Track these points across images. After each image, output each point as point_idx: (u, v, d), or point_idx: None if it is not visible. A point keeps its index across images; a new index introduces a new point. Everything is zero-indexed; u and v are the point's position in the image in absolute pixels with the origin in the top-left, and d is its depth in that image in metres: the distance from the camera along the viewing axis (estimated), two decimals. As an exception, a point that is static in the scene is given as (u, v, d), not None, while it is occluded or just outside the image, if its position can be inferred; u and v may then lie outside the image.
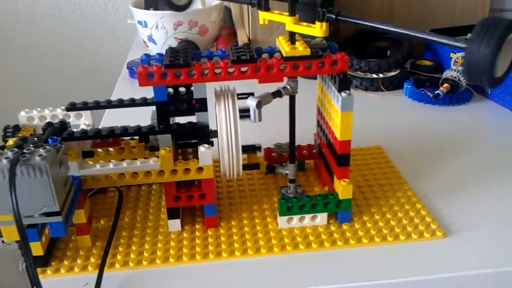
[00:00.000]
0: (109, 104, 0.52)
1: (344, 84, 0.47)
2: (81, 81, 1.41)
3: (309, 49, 0.46)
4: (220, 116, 0.47)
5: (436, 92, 0.75)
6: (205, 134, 0.48)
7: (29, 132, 0.52)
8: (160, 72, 0.45)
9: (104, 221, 0.52)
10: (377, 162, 0.61)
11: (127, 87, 0.90)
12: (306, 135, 0.59)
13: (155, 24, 0.94)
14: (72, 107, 0.52)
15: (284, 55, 0.46)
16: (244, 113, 0.48)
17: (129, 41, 1.37)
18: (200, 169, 0.48)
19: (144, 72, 0.45)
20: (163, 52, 0.82)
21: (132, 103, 0.52)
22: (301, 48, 0.46)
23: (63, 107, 0.53)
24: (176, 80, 0.46)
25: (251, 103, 0.46)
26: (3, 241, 1.49)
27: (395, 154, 0.63)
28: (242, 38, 0.95)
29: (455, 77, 0.77)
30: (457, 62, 0.82)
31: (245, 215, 0.52)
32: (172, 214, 0.50)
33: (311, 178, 0.58)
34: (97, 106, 0.52)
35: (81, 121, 0.53)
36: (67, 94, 1.33)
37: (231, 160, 0.48)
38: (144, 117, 0.56)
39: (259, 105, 0.46)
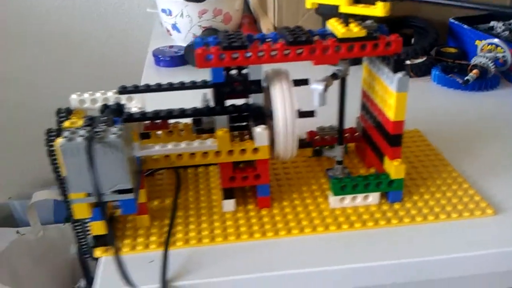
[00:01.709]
0: (160, 87, 0.52)
1: (398, 65, 0.48)
2: (101, 70, 1.41)
3: (364, 31, 0.47)
4: (275, 97, 0.47)
5: (466, 78, 0.76)
6: (261, 115, 0.49)
7: (80, 115, 0.52)
8: (218, 54, 0.46)
9: (157, 202, 0.53)
10: (417, 145, 0.62)
11: (153, 75, 0.90)
12: (345, 119, 0.60)
13: (180, 12, 0.94)
14: (123, 90, 0.52)
15: (339, 36, 0.47)
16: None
17: (144, 32, 1.37)
18: (255, 149, 0.48)
19: (203, 54, 0.46)
20: (187, 40, 0.83)
21: (182, 86, 0.52)
22: (356, 30, 0.47)
23: (114, 90, 0.53)
24: (232, 61, 0.47)
25: (317, 87, 0.47)
26: (17, 231, 1.50)
27: (432, 137, 0.64)
28: (266, 26, 0.96)
29: (483, 63, 0.78)
30: (482, 49, 0.83)
31: (296, 196, 0.53)
32: (227, 194, 0.51)
33: (354, 161, 0.59)
34: (148, 89, 0.53)
35: (132, 104, 0.54)
36: (89, 83, 1.34)
37: (287, 141, 0.48)
38: (183, 101, 0.56)
39: (326, 89, 0.47)
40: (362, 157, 0.59)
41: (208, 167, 0.59)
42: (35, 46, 1.42)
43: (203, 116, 0.49)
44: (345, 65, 0.51)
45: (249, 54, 0.46)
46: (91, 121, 0.43)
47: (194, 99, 0.54)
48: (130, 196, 0.41)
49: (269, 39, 0.51)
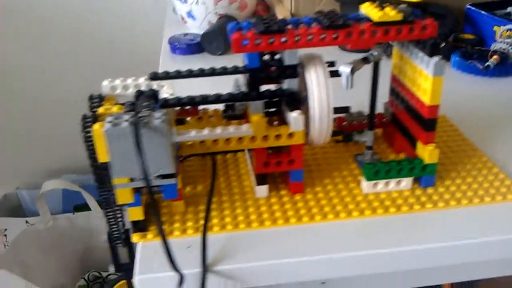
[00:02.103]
0: (191, 74, 0.52)
1: (434, 49, 0.47)
2: (111, 59, 1.40)
3: (400, 14, 0.47)
4: (311, 81, 0.47)
5: (486, 64, 0.76)
6: (296, 100, 0.49)
7: (112, 102, 0.52)
8: (255, 39, 0.46)
9: (190, 188, 0.53)
10: (445, 130, 0.62)
11: (170, 63, 0.89)
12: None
13: (195, -1, 0.93)
14: (154, 76, 0.52)
15: (375, 20, 0.47)
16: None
17: (155, 20, 1.36)
18: (290, 134, 0.48)
19: (239, 39, 0.46)
20: (202, 27, 0.82)
21: (213, 72, 0.52)
22: (392, 14, 0.47)
23: (145, 77, 0.53)
24: (269, 46, 0.46)
25: (345, 70, 0.47)
26: (26, 221, 1.49)
27: (458, 123, 0.64)
28: (282, 13, 0.96)
29: (504, 49, 0.78)
30: (502, 35, 0.83)
31: (327, 181, 0.53)
32: (261, 180, 0.51)
33: (382, 146, 0.59)
34: (179, 75, 0.52)
35: (164, 90, 0.53)
36: (99, 72, 1.33)
37: (322, 126, 0.48)
38: (210, 88, 0.56)
39: (353, 72, 0.47)
40: (390, 143, 0.59)
41: (236, 154, 0.59)
42: (41, 37, 1.41)
43: (238, 101, 0.48)
44: (379, 50, 0.50)
45: (285, 39, 0.46)
46: (132, 107, 0.43)
47: (219, 86, 0.54)
48: (172, 181, 0.41)
49: (303, 24, 0.51)
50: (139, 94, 0.49)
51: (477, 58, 0.80)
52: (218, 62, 0.87)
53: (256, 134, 0.48)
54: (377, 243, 0.45)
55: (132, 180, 0.41)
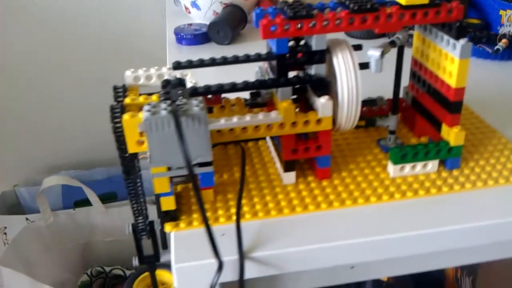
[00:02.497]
0: (214, 62, 0.52)
1: (461, 32, 0.48)
2: (110, 51, 1.38)
3: (427, -2, 0.47)
4: (339, 66, 0.47)
5: (496, 47, 0.77)
6: (324, 86, 0.49)
7: (135, 92, 0.52)
8: (283, 24, 0.46)
9: (216, 176, 0.53)
10: (462, 113, 0.63)
11: (176, 53, 0.89)
12: (389, 90, 0.60)
13: (200, -11, 0.93)
14: (177, 65, 0.52)
15: (403, 3, 0.47)
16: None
17: (154, 12, 1.35)
18: (319, 120, 0.48)
19: (268, 25, 0.45)
20: (207, 17, 0.81)
21: (236, 60, 0.52)
22: (418, -3, 0.47)
23: (168, 66, 0.53)
24: (297, 32, 0.46)
25: (374, 53, 0.47)
26: (27, 219, 1.47)
27: (472, 105, 0.65)
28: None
29: (512, 33, 0.79)
30: (509, 19, 0.84)
31: (352, 167, 0.53)
32: (289, 166, 0.51)
33: (403, 131, 0.59)
34: (202, 64, 0.52)
35: (187, 79, 0.53)
36: (99, 64, 1.32)
37: (351, 111, 0.48)
38: (223, 77, 0.56)
39: (382, 55, 0.47)
40: (411, 127, 0.59)
41: (257, 142, 0.59)
42: (37, 31, 1.38)
43: (267, 88, 0.48)
44: (404, 33, 0.50)
45: (313, 24, 0.46)
46: (167, 95, 0.42)
47: (232, 76, 0.54)
48: (210, 169, 0.41)
49: (328, 9, 0.51)
50: (166, 83, 0.49)
51: (486, 42, 0.81)
52: (226, 51, 0.87)
53: (285, 121, 0.48)
54: (410, 225, 0.45)
55: (169, 169, 0.40)
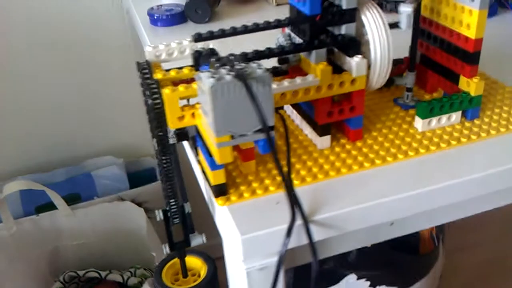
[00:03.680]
0: (235, 31, 0.50)
1: (478, -17, 0.49)
2: (72, 47, 1.30)
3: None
4: (370, 24, 0.48)
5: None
6: (356, 46, 0.49)
7: (159, 68, 0.49)
8: (315, -15, 0.45)
9: (249, 149, 0.52)
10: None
11: (152, 35, 0.85)
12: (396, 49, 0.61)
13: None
14: (199, 37, 0.50)
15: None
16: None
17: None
18: (353, 81, 0.48)
19: (300, -14, 0.45)
20: None
21: (257, 27, 0.51)
22: (437, -48, 0.48)
23: (189, 39, 0.51)
24: (327, -8, 0.46)
25: (405, 9, 0.48)
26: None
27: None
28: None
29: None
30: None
31: (379, 126, 0.54)
32: (324, 130, 0.51)
33: (414, 88, 0.61)
34: (224, 34, 0.50)
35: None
36: (59, 67, 1.23)
37: (382, 69, 0.49)
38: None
39: (413, 11, 0.48)
40: (421, 84, 0.61)
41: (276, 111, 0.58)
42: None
43: (302, 51, 0.48)
44: (421, -10, 0.52)
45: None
46: (221, 62, 0.40)
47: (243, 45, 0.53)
48: (271, 134, 0.40)
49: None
50: (198, 54, 0.47)
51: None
52: (204, 30, 0.84)
53: (322, 83, 0.47)
54: (456, 173, 0.47)
55: (232, 137, 0.39)
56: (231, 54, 0.42)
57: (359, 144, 0.51)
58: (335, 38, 0.48)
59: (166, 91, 0.43)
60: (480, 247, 1.48)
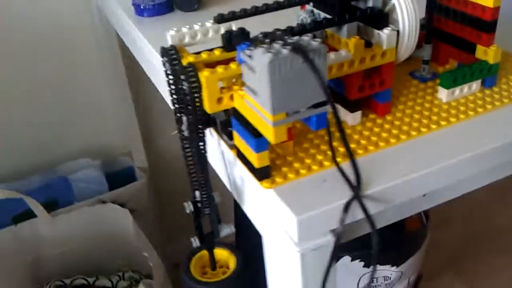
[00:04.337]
0: (257, 11, 0.49)
1: (495, -49, 0.50)
2: (41, 47, 1.23)
3: None
4: (397, -3, 0.47)
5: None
6: (385, 18, 0.48)
7: (185, 52, 0.47)
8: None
9: (280, 130, 0.50)
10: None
11: (140, 27, 0.82)
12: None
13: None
14: (221, 18, 0.48)
15: None
16: None
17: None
18: (384, 53, 0.48)
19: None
20: None
21: (279, 5, 0.50)
22: None
23: (211, 21, 0.49)
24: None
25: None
26: None
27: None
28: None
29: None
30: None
31: (403, 99, 0.54)
32: (355, 106, 0.50)
33: (424, 62, 0.62)
34: (246, 14, 0.49)
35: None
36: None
37: (411, 40, 0.49)
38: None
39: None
40: (432, 57, 0.61)
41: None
42: None
43: (335, 25, 0.47)
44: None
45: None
46: (270, 37, 0.39)
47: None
48: (325, 109, 0.39)
49: None
50: (229, 34, 0.45)
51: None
52: (192, 19, 0.82)
53: (355, 58, 0.47)
54: (493, 138, 0.47)
55: (287, 115, 0.38)
56: (277, 29, 0.41)
57: (389, 118, 0.51)
58: (363, 11, 0.48)
59: (205, 74, 0.41)
60: (464, 221, 1.53)
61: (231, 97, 0.43)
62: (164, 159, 1.57)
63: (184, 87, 0.42)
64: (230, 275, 0.58)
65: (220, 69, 0.42)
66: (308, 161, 0.46)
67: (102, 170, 1.39)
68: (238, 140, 0.45)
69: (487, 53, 0.54)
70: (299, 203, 0.41)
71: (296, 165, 0.45)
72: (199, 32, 0.48)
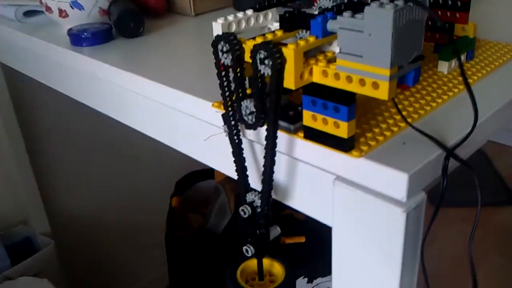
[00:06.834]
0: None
1: None
2: None
3: None
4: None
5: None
6: None
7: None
8: None
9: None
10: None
11: (79, 59, 0.75)
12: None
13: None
14: (260, 6, 0.48)
15: None
16: None
17: None
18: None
19: None
20: (91, 17, 0.85)
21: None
22: None
23: (251, 10, 0.48)
24: None
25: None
26: None
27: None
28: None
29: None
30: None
31: (410, 76, 0.59)
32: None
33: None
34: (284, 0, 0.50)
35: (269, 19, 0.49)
36: None
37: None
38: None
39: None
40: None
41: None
42: None
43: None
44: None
45: None
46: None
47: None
48: (419, 64, 0.40)
49: None
50: (289, 14, 0.45)
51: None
52: (135, 46, 0.77)
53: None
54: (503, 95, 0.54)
55: (399, 68, 0.38)
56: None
57: (413, 89, 0.55)
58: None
59: (290, 47, 0.40)
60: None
61: (310, 72, 0.42)
62: (71, 219, 1.43)
63: (263, 67, 0.40)
64: (281, 283, 0.55)
65: (301, 42, 0.41)
66: (383, 126, 0.47)
67: (1, 244, 1.21)
68: (309, 119, 0.44)
69: (466, 29, 0.61)
70: (399, 163, 0.42)
71: (369, 134, 0.46)
72: (243, 20, 0.47)
